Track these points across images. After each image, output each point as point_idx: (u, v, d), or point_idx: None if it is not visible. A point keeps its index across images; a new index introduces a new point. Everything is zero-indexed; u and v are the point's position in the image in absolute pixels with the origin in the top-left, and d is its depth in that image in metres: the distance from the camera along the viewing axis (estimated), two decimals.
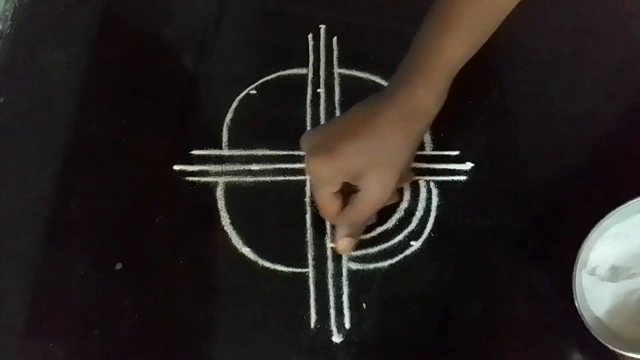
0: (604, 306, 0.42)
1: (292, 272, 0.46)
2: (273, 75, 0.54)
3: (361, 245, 0.47)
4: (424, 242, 0.47)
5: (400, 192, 0.49)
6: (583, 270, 0.42)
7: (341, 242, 0.45)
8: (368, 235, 0.47)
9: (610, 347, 0.39)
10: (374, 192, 0.42)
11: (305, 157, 0.42)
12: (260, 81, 0.54)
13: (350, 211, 0.43)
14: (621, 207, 0.41)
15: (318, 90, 0.54)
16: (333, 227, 0.47)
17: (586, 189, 0.50)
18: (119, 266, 0.46)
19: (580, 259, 0.41)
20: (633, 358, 0.39)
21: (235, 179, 0.50)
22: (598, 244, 0.43)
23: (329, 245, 0.47)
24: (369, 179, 0.42)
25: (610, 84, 0.54)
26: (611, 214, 0.41)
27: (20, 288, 0.45)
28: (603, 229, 0.42)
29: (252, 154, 0.51)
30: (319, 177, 0.42)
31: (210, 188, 0.49)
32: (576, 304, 0.41)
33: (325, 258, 0.47)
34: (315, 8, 0.58)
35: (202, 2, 0.59)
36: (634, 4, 0.57)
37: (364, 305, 0.45)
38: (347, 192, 0.44)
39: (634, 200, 0.41)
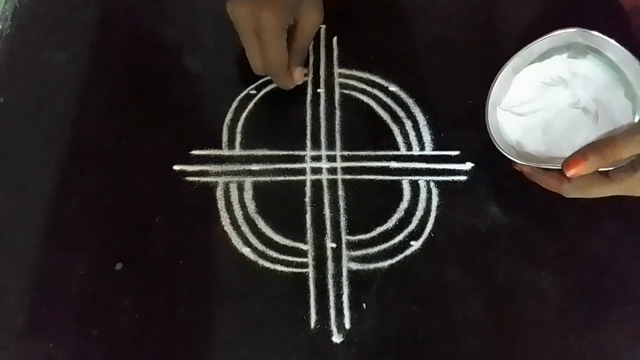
0: (515, 135, 0.48)
1: (292, 272, 0.46)
2: None
3: (361, 245, 0.47)
4: (424, 242, 0.47)
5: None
6: (498, 107, 0.48)
7: (298, 72, 0.51)
8: (368, 235, 0.48)
9: (518, 162, 0.45)
10: (313, 14, 0.49)
11: (241, 18, 0.47)
12: (260, 81, 0.54)
13: (297, 40, 0.49)
14: (528, 45, 0.46)
15: (318, 90, 0.54)
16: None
17: None
18: (119, 266, 0.46)
19: (491, 97, 0.47)
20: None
21: (235, 179, 0.50)
22: (513, 84, 0.48)
23: (329, 245, 0.47)
24: (305, 4, 0.49)
25: None
26: (520, 52, 0.47)
27: (20, 288, 0.45)
28: (514, 68, 0.48)
29: (252, 154, 0.51)
30: (273, 24, 0.46)
31: (210, 188, 0.49)
32: (489, 133, 0.46)
33: (325, 258, 0.47)
34: None
35: (202, 2, 0.59)
36: (634, 3, 0.57)
37: (364, 305, 0.45)
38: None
39: (540, 39, 0.46)
